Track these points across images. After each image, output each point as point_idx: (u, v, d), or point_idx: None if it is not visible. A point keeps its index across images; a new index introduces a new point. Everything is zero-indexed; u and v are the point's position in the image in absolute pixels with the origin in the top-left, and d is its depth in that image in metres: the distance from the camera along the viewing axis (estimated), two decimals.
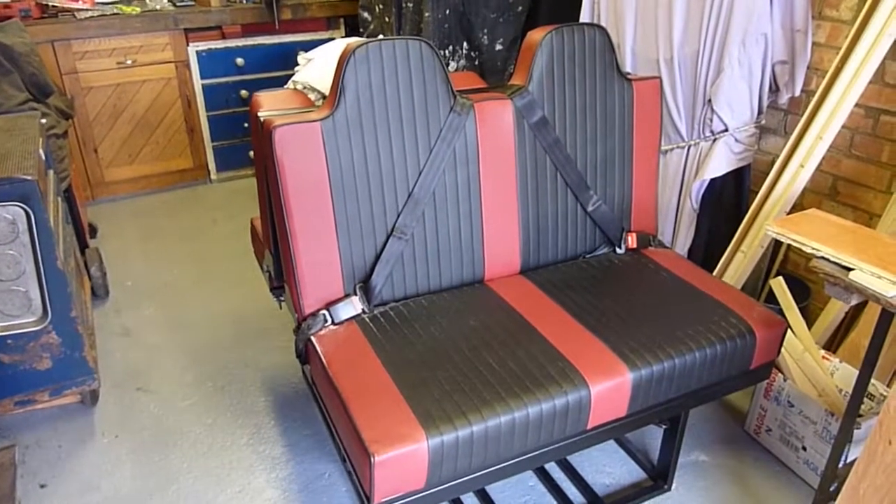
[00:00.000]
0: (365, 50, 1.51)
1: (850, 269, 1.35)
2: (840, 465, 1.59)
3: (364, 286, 1.62)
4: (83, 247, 2.74)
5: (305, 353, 1.60)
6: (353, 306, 1.60)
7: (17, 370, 1.91)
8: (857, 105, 2.03)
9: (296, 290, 1.58)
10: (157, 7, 3.49)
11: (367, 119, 1.55)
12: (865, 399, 1.86)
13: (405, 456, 1.24)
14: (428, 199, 1.64)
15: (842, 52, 1.96)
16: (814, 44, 2.17)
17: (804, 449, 1.89)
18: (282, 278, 1.77)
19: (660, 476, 1.90)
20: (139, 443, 2.06)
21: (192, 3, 3.59)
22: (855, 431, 1.63)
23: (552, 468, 1.96)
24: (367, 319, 1.59)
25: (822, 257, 1.41)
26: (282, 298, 1.96)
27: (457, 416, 1.29)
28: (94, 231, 3.26)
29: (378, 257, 1.62)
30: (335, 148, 1.52)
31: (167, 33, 3.43)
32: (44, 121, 2.31)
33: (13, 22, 2.69)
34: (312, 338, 1.54)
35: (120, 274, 2.96)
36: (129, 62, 3.39)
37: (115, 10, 3.36)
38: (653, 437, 2.05)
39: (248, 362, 2.40)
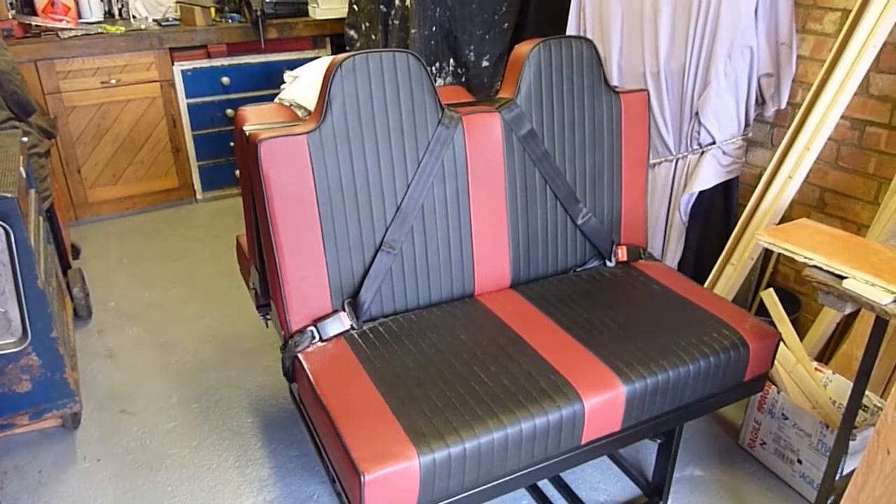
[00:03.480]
0: (352, 62, 1.50)
1: (843, 278, 1.34)
2: (837, 477, 1.57)
3: (352, 302, 1.60)
4: (65, 267, 2.69)
5: (292, 371, 1.57)
6: (341, 322, 1.57)
7: None
8: (842, 117, 2.05)
9: (282, 307, 1.55)
10: (142, 26, 3.47)
11: (354, 132, 1.53)
12: (859, 411, 1.84)
13: (396, 474, 1.20)
14: (416, 213, 1.62)
15: (826, 64, 1.98)
16: (799, 57, 2.19)
17: (800, 462, 1.87)
18: (268, 295, 1.74)
19: (655, 492, 1.87)
20: (122, 467, 2.00)
21: (178, 22, 3.58)
22: (850, 443, 1.61)
23: (546, 486, 1.92)
24: (356, 335, 1.56)
25: (815, 266, 1.40)
26: (268, 317, 1.92)
27: (448, 433, 1.26)
28: (77, 252, 3.21)
29: (366, 272, 1.60)
30: (322, 161, 1.50)
31: (152, 52, 3.41)
32: (25, 139, 2.28)
33: None
34: (299, 355, 1.51)
35: (103, 295, 2.91)
36: (113, 81, 3.37)
37: (100, 30, 3.34)
38: (647, 452, 2.02)
39: (234, 383, 2.36)
